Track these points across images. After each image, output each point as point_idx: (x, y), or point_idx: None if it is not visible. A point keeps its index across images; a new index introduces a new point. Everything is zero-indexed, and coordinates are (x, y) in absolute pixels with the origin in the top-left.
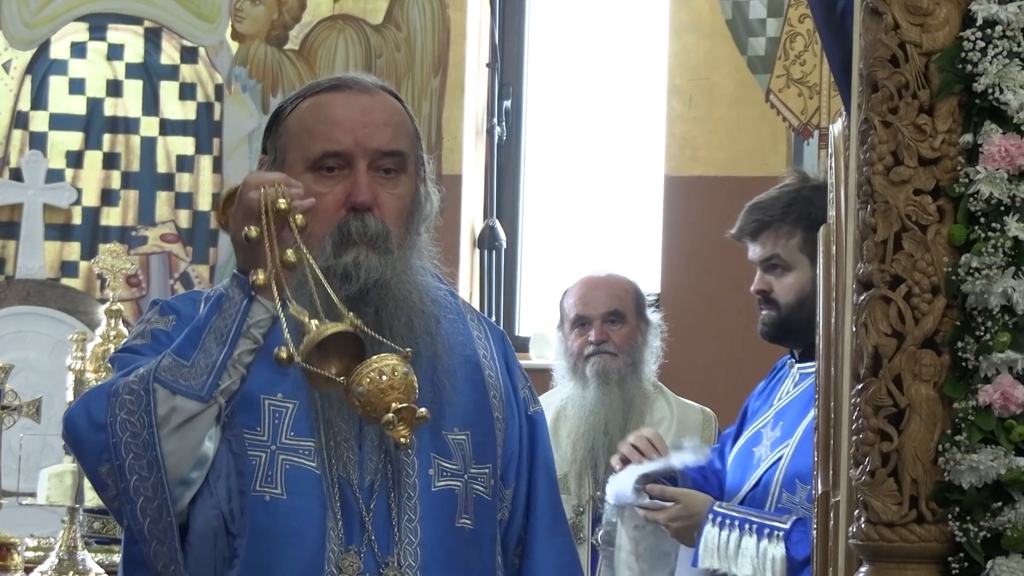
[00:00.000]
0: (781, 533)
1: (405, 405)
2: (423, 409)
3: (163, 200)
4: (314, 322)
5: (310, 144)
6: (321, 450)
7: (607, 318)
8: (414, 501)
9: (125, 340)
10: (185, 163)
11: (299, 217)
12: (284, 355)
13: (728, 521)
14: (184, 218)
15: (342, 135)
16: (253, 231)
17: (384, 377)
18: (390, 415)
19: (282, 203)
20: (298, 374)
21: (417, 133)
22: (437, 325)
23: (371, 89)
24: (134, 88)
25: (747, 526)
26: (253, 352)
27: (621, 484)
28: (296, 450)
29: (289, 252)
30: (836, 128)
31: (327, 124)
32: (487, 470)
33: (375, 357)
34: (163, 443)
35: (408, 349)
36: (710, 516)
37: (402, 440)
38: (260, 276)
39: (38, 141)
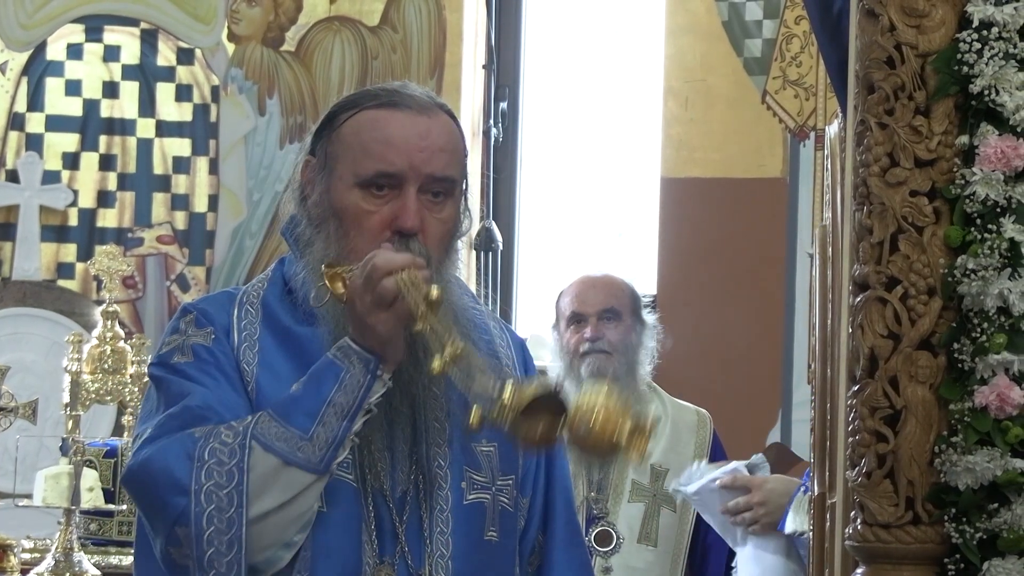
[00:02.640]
0: None
1: (634, 424)
2: (648, 419)
3: (159, 202)
4: (508, 386)
5: (364, 161)
6: (358, 463)
7: (603, 315)
8: (446, 514)
9: (161, 350)
10: (181, 164)
11: (435, 291)
12: (475, 422)
13: None
14: (180, 220)
15: (397, 157)
16: (419, 325)
17: (604, 411)
18: (623, 439)
19: (435, 293)
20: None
21: (466, 152)
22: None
23: (430, 109)
24: (130, 89)
25: None
26: (366, 423)
27: (699, 483)
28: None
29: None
30: (832, 129)
31: (383, 144)
32: (511, 481)
33: (582, 394)
34: (262, 522)
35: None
36: (802, 488)
37: (641, 458)
38: (437, 363)
39: (34, 143)
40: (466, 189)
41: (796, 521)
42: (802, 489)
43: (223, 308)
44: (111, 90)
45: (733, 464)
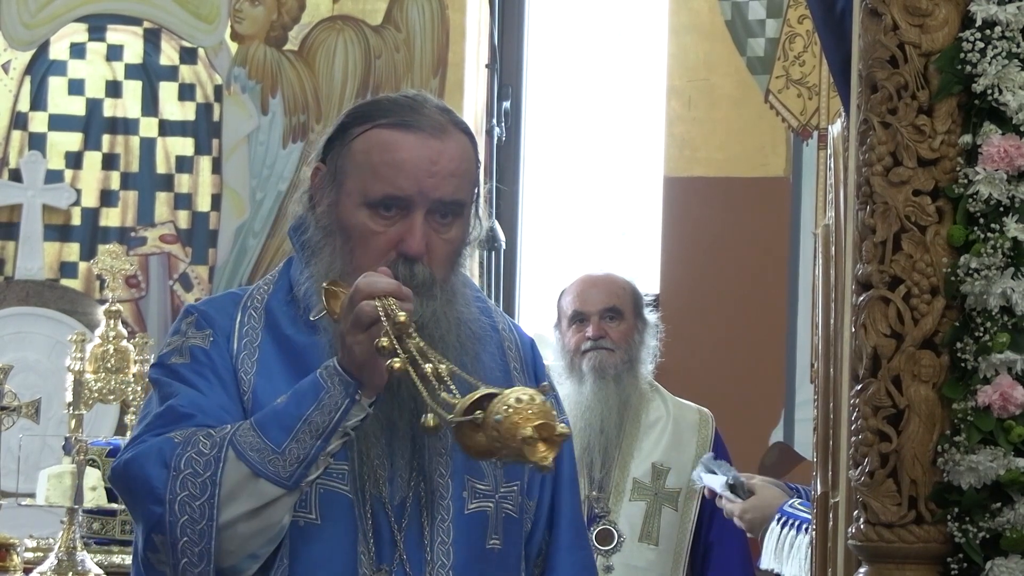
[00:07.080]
0: None
1: (543, 422)
2: (563, 425)
3: (162, 201)
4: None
5: (373, 183)
6: (355, 472)
7: (605, 314)
8: (447, 523)
9: (162, 351)
10: (184, 164)
11: (401, 316)
12: (432, 423)
13: (792, 521)
14: (183, 219)
15: (406, 182)
16: (384, 342)
17: (520, 404)
18: (529, 431)
19: (402, 316)
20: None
21: (478, 164)
22: (474, 361)
23: (444, 131)
24: (133, 89)
25: (806, 527)
26: (343, 445)
27: (708, 478)
28: (330, 474)
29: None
30: (835, 129)
31: (394, 168)
32: (515, 488)
33: (509, 391)
34: (229, 529)
35: (545, 383)
36: (777, 515)
37: (543, 464)
38: (396, 363)
39: (37, 142)
40: (477, 196)
41: (765, 558)
42: (776, 516)
43: (226, 312)
44: (114, 89)
45: (723, 479)
